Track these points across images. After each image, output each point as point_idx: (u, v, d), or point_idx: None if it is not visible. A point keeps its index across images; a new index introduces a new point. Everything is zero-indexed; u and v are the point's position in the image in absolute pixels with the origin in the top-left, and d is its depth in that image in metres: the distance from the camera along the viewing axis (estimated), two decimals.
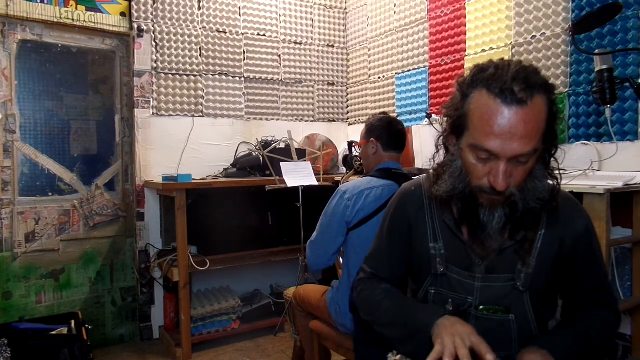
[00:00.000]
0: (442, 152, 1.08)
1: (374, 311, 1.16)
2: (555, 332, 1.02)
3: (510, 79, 0.88)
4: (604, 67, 1.74)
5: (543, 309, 1.07)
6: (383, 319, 1.13)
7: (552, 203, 0.99)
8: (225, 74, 3.28)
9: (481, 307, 1.05)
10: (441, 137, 1.06)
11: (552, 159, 1.01)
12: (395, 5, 3.27)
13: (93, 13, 2.84)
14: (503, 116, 0.88)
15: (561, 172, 1.04)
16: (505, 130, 0.88)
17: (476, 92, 0.93)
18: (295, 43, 3.56)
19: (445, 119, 1.02)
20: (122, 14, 2.94)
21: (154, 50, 3.01)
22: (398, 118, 2.60)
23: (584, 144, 2.12)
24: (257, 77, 3.41)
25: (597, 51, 1.80)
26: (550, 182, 1.00)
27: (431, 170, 1.10)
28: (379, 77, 3.44)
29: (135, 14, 2.94)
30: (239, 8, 3.31)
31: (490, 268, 1.05)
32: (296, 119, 3.60)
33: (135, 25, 2.94)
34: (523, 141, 0.88)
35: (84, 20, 2.82)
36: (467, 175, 0.98)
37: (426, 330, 0.98)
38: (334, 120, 3.78)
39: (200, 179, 2.96)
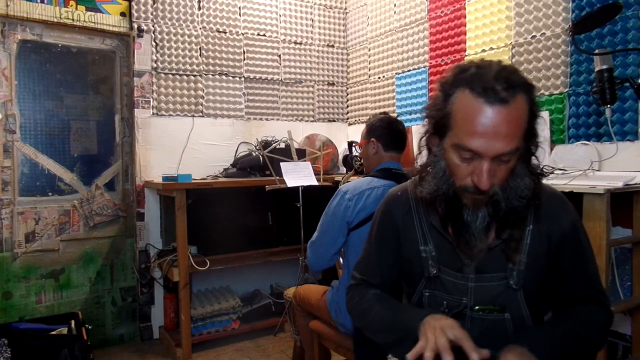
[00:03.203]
0: (424, 153, 1.08)
1: (364, 317, 1.16)
2: (540, 329, 1.02)
3: (492, 78, 0.89)
4: (604, 67, 1.74)
5: (538, 305, 1.07)
6: (373, 325, 1.13)
7: (535, 201, 0.99)
8: (225, 74, 3.28)
9: (476, 307, 1.04)
10: (424, 138, 1.06)
11: (533, 157, 1.02)
12: (395, 5, 3.27)
13: (93, 13, 2.84)
14: (486, 115, 0.89)
15: (543, 169, 1.05)
16: (489, 130, 0.89)
17: (459, 92, 0.93)
18: (295, 43, 3.56)
19: (427, 119, 1.03)
20: (122, 14, 2.94)
21: (154, 50, 3.01)
22: (398, 118, 2.60)
23: (584, 144, 2.12)
24: (257, 77, 3.41)
25: (597, 51, 1.80)
26: (531, 179, 1.00)
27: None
28: (379, 77, 3.44)
29: (135, 14, 2.94)
30: (239, 8, 3.31)
31: (480, 268, 1.05)
32: (296, 119, 3.60)
33: (135, 25, 2.94)
34: (506, 140, 0.89)
35: (84, 20, 2.82)
36: (450, 175, 0.98)
37: (414, 332, 0.98)
38: (334, 120, 3.78)
39: (200, 179, 2.96)
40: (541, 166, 1.05)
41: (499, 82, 0.88)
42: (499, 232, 1.02)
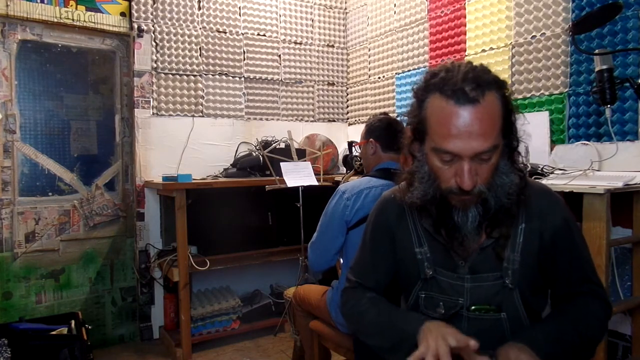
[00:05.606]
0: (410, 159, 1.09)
1: (359, 321, 1.16)
2: (538, 325, 1.02)
3: (460, 80, 0.90)
4: (604, 67, 1.74)
5: (534, 303, 1.07)
6: (369, 329, 1.14)
7: (521, 196, 1.00)
8: (225, 74, 3.28)
9: (472, 307, 1.05)
10: (407, 145, 1.07)
11: (517, 153, 1.03)
12: (395, 5, 3.27)
13: (93, 13, 2.84)
14: (458, 117, 0.90)
15: (526, 165, 1.05)
16: (462, 130, 0.90)
17: (430, 97, 0.96)
18: (295, 43, 3.56)
19: (407, 126, 1.04)
20: (122, 14, 2.94)
21: (154, 50, 3.01)
22: (398, 118, 2.60)
23: (584, 144, 2.11)
24: (257, 77, 3.41)
25: (597, 51, 1.80)
26: (517, 176, 1.01)
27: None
28: (379, 77, 3.44)
29: (135, 14, 2.94)
30: (239, 8, 3.31)
31: (474, 268, 1.05)
32: (296, 119, 3.60)
33: (135, 25, 2.94)
34: (481, 138, 0.90)
35: (84, 20, 2.82)
36: (435, 179, 0.99)
37: (413, 338, 0.98)
38: (334, 120, 3.78)
39: (200, 179, 2.96)
40: (524, 162, 1.05)
41: (467, 82, 0.90)
42: (490, 231, 1.03)
